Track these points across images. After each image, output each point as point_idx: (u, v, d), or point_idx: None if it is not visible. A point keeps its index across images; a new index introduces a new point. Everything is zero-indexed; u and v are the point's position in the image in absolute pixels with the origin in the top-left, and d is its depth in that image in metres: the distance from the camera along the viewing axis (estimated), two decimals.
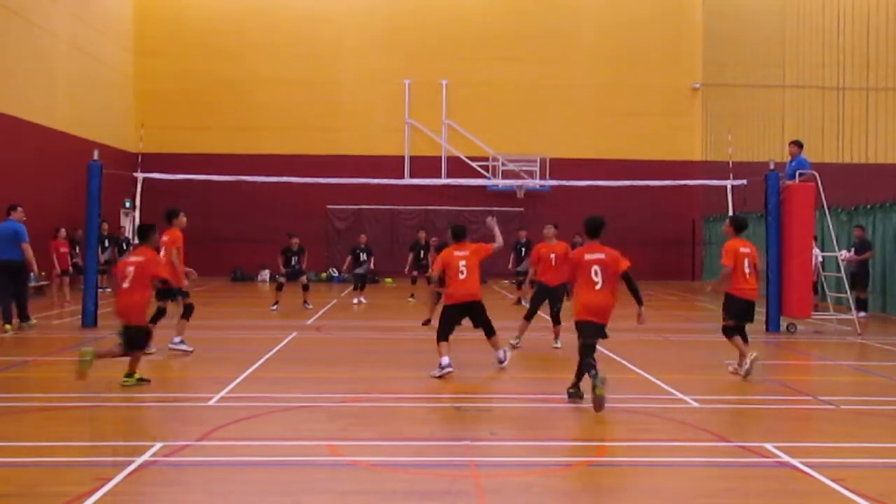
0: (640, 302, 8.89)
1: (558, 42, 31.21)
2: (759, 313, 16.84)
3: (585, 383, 8.73)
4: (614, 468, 6.71)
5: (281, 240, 20.81)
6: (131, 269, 9.68)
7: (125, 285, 9.64)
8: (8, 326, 14.42)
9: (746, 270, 10.60)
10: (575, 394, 8.95)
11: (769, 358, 13.34)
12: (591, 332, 8.71)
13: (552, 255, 12.70)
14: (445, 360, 10.25)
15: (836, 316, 16.36)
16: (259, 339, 13.72)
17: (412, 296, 21.68)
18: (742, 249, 10.64)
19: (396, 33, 31.02)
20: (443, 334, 10.51)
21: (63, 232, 19.86)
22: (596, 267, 8.69)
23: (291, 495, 5.85)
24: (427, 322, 15.24)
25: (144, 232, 10.25)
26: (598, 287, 8.69)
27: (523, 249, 20.48)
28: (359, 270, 21.26)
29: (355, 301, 20.73)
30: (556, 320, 13.08)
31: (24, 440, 7.22)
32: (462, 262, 10.68)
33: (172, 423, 8.00)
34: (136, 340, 9.52)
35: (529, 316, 12.99)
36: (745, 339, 10.74)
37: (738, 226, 10.93)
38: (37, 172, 22.20)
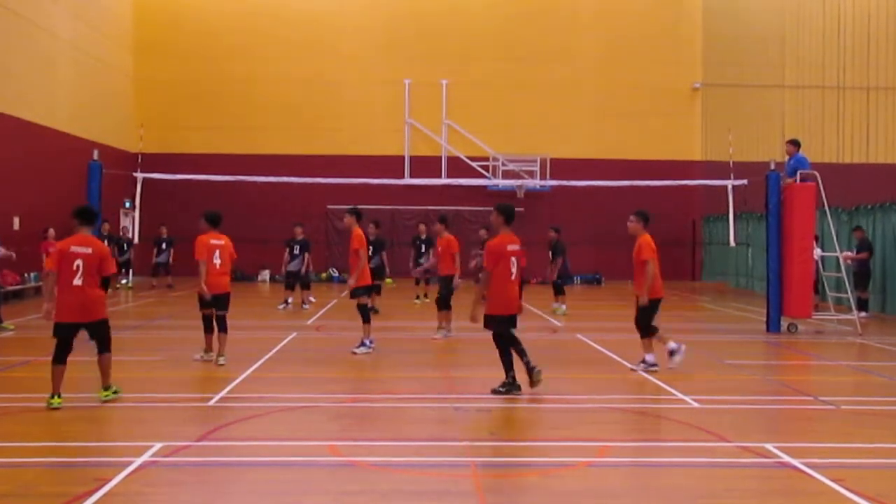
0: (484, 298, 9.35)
1: (558, 42, 31.17)
2: (761, 314, 16.95)
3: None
4: (614, 468, 6.71)
5: (280, 239, 20.75)
6: None
7: None
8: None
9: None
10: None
11: (770, 358, 13.34)
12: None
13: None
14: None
15: (836, 316, 16.35)
16: (259, 339, 13.72)
17: (419, 296, 21.07)
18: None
19: (396, 33, 30.99)
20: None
21: (52, 232, 19.85)
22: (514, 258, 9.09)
23: (291, 495, 5.85)
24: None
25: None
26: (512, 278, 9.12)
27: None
28: (291, 268, 19.35)
29: (281, 307, 19.29)
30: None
31: (23, 440, 7.22)
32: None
33: (172, 423, 8.00)
34: None
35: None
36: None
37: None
38: (37, 172, 22.18)
